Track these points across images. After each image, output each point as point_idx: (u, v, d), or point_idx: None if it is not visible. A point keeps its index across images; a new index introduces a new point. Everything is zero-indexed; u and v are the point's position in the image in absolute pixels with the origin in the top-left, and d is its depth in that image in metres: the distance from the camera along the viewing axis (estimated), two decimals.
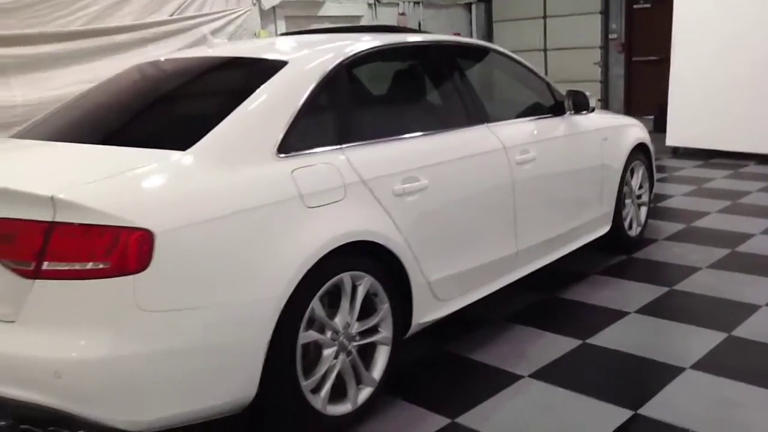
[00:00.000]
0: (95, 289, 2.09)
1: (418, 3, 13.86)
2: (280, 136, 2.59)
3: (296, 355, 2.48)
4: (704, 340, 3.41)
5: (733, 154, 8.17)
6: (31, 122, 3.24)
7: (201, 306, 2.23)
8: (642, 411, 2.79)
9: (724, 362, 3.18)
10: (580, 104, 4.09)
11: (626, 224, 4.84)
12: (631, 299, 3.99)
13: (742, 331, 3.50)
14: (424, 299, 3.05)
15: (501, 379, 3.11)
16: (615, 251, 4.81)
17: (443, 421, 2.79)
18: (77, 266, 2.09)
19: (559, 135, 4.02)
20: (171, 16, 10.28)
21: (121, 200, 2.15)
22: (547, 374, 3.15)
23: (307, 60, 2.91)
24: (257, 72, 2.83)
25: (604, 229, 4.57)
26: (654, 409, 2.80)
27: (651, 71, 11.52)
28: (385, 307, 2.86)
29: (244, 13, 11.03)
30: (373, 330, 2.85)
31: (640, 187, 5.03)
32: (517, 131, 3.72)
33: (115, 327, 2.10)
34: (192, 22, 10.49)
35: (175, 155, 2.38)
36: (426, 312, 3.10)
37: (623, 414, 2.77)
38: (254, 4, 11.14)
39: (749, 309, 3.76)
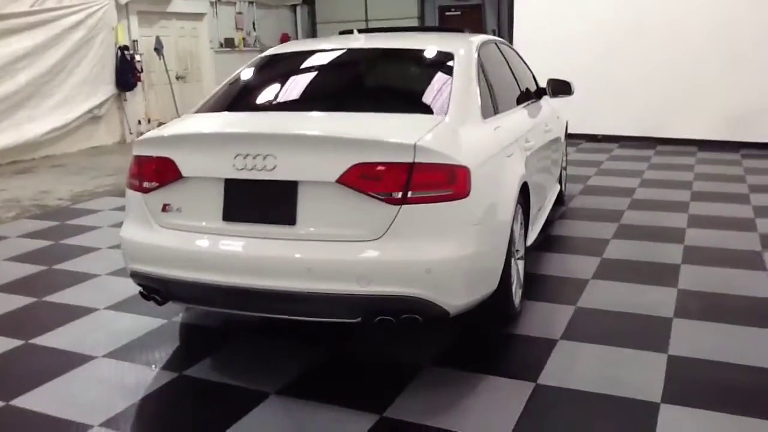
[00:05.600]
0: (443, 210, 2.92)
1: (252, 3, 14.50)
2: (479, 105, 3.57)
3: (510, 261, 3.50)
4: (674, 251, 5.00)
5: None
6: (209, 100, 3.76)
7: (488, 222, 3.16)
8: (681, 289, 4.24)
9: (701, 258, 4.78)
10: (562, 90, 5.44)
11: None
12: (601, 232, 5.47)
13: (689, 240, 5.18)
14: (531, 228, 4.19)
15: (575, 284, 4.37)
16: (555, 204, 6.30)
17: (570, 308, 3.96)
18: (431, 194, 2.91)
19: (550, 113, 5.37)
20: (32, 7, 9.93)
21: (449, 146, 3.00)
22: (603, 274, 4.49)
23: (464, 49, 3.86)
24: (437, 59, 3.75)
25: (558, 187, 6.03)
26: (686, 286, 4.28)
27: None
28: (522, 232, 3.95)
29: (103, 7, 10.93)
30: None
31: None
32: (540, 109, 4.99)
33: (459, 235, 2.96)
34: (53, 13, 10.27)
35: (441, 118, 3.25)
36: (528, 239, 4.24)
37: (672, 291, 4.19)
38: None
39: (679, 232, 5.46)
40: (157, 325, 3.84)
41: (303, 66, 3.92)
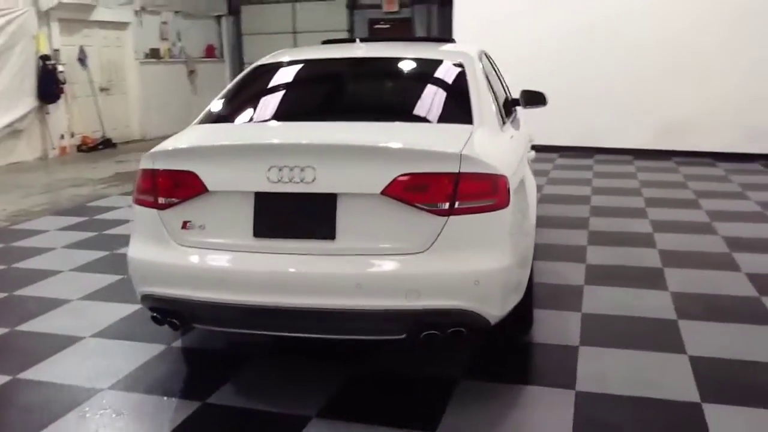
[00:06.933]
0: (487, 220, 2.85)
1: (177, 13, 14.05)
2: (495, 114, 3.55)
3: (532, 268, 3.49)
4: (651, 256, 5.17)
5: None
6: (212, 110, 3.57)
7: (521, 230, 3.12)
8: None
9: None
10: (535, 101, 5.50)
11: None
12: (575, 239, 5.59)
13: (661, 245, 5.36)
14: None
15: (572, 290, 4.43)
16: None
17: (577, 314, 3.98)
18: (476, 204, 2.85)
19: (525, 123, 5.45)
20: None
21: (490, 155, 2.94)
22: (594, 280, 4.57)
23: (471, 58, 3.81)
24: (449, 68, 3.69)
25: None
26: None
27: None
28: None
29: (23, 13, 10.31)
30: None
31: None
32: (520, 119, 5.05)
33: (502, 245, 2.89)
34: None
35: (470, 127, 3.19)
36: None
37: (665, 294, 4.32)
38: (32, 5, 10.44)
39: (648, 237, 5.66)
40: (157, 352, 3.58)
41: (316, 75, 3.78)
